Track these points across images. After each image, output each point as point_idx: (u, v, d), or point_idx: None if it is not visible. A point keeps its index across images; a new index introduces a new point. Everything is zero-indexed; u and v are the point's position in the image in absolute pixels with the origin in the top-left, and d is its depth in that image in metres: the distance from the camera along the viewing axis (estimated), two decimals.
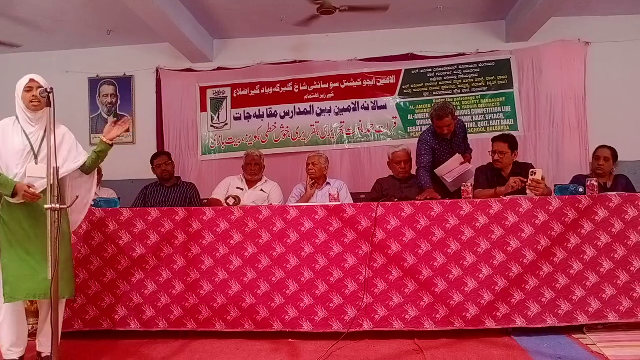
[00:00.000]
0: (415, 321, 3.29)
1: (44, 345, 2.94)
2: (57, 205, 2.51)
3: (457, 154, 4.41)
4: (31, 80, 2.85)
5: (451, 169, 4.35)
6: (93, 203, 3.67)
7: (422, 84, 6.02)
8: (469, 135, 4.86)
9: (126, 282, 3.49)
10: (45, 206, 2.51)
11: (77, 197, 2.87)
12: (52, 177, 2.54)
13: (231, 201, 4.00)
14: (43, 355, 2.94)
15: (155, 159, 5.05)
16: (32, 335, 3.11)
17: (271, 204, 4.28)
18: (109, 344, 3.33)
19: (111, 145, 3.07)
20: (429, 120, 4.69)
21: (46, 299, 2.82)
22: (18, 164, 2.83)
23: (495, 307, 3.26)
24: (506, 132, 4.77)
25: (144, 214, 3.55)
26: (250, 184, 4.81)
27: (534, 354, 2.95)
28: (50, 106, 2.57)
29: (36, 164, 2.84)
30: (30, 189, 2.75)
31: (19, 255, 2.83)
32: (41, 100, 2.73)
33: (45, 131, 2.80)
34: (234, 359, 3.03)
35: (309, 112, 6.15)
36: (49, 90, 2.60)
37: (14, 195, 2.78)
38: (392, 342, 3.23)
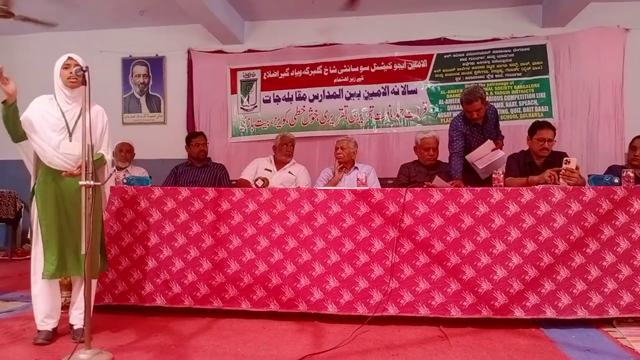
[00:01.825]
0: (442, 308, 3.27)
1: (76, 317, 3.02)
2: (92, 182, 2.58)
3: (489, 140, 4.33)
4: (69, 58, 2.92)
5: (482, 155, 4.28)
6: (125, 181, 3.75)
7: (454, 69, 5.92)
8: (500, 122, 4.77)
9: (154, 258, 3.55)
10: (80, 182, 2.59)
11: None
12: (86, 154, 2.61)
13: (260, 183, 4.02)
14: (75, 327, 3.01)
15: (195, 138, 5.11)
16: (65, 307, 3.20)
17: (299, 187, 4.29)
18: (137, 318, 3.40)
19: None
20: (460, 106, 4.63)
21: (80, 276, 2.92)
22: (53, 140, 2.89)
23: (524, 296, 3.22)
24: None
25: (175, 193, 3.60)
26: (279, 165, 4.83)
27: (562, 345, 2.90)
28: (85, 84, 2.64)
29: (70, 141, 2.90)
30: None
31: (56, 233, 2.91)
32: (77, 78, 2.79)
33: (80, 110, 2.87)
34: (260, 337, 3.07)
35: (338, 96, 6.12)
36: (84, 69, 2.67)
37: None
38: (417, 328, 3.22)
